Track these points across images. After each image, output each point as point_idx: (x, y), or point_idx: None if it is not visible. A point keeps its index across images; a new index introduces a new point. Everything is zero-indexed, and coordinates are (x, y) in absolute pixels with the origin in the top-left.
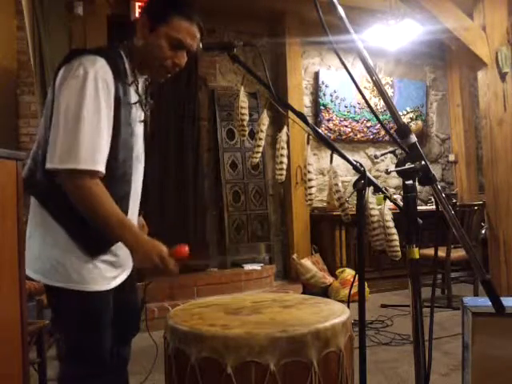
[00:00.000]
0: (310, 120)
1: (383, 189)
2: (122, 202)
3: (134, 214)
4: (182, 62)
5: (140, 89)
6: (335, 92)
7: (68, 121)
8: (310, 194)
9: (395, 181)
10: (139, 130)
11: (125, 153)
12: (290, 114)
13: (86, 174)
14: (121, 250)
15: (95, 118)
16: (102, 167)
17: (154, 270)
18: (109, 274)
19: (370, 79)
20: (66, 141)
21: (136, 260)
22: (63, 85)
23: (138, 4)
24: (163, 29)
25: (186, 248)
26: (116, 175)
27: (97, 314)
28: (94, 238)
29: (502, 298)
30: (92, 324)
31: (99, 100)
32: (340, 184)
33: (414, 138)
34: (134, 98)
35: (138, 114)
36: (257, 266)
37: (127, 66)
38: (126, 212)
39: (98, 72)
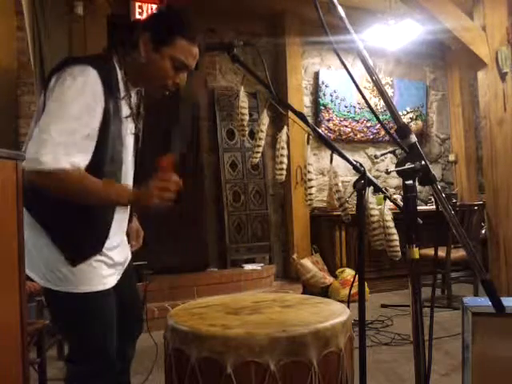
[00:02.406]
0: (309, 120)
1: (383, 189)
2: (105, 213)
3: (122, 223)
4: (182, 81)
5: (132, 101)
6: (335, 92)
7: (44, 123)
8: (310, 194)
9: (395, 181)
10: (130, 141)
11: (112, 165)
12: (290, 114)
13: (45, 172)
14: (113, 252)
15: (70, 119)
16: (69, 164)
17: (161, 201)
18: (104, 272)
19: (370, 79)
20: (36, 141)
21: (141, 207)
22: (51, 92)
23: (138, 4)
24: (167, 50)
25: (168, 159)
26: None
27: (97, 314)
28: (73, 246)
29: (501, 298)
30: (94, 324)
31: (80, 102)
32: (340, 184)
33: (414, 138)
34: (125, 111)
35: (130, 127)
36: (257, 266)
37: (120, 78)
38: (108, 222)
39: (87, 81)
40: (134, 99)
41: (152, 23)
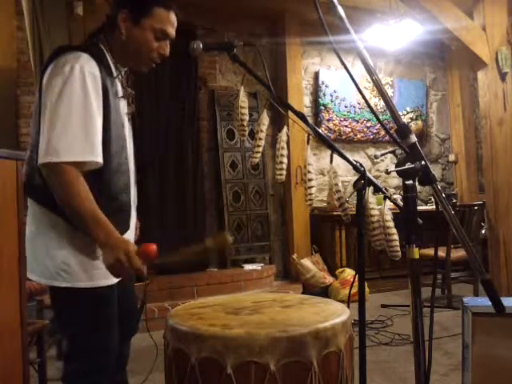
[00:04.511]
0: (309, 120)
1: (383, 189)
2: (124, 193)
3: (134, 204)
4: (166, 51)
5: (123, 81)
6: (335, 92)
7: (55, 115)
8: (310, 194)
9: (395, 181)
10: (127, 122)
11: (118, 144)
12: (290, 114)
13: (66, 165)
14: None
15: (83, 110)
16: (90, 157)
17: (120, 269)
18: None
19: (370, 79)
20: (50, 135)
21: (103, 256)
22: (50, 82)
23: None
24: (147, 21)
25: (154, 246)
26: (111, 167)
27: (105, 309)
28: None
29: (502, 298)
30: (101, 321)
31: (87, 92)
32: (340, 184)
33: (414, 138)
34: (119, 91)
35: (122, 106)
36: (257, 266)
37: (110, 60)
38: (129, 202)
39: (84, 66)
40: (124, 79)
41: None
